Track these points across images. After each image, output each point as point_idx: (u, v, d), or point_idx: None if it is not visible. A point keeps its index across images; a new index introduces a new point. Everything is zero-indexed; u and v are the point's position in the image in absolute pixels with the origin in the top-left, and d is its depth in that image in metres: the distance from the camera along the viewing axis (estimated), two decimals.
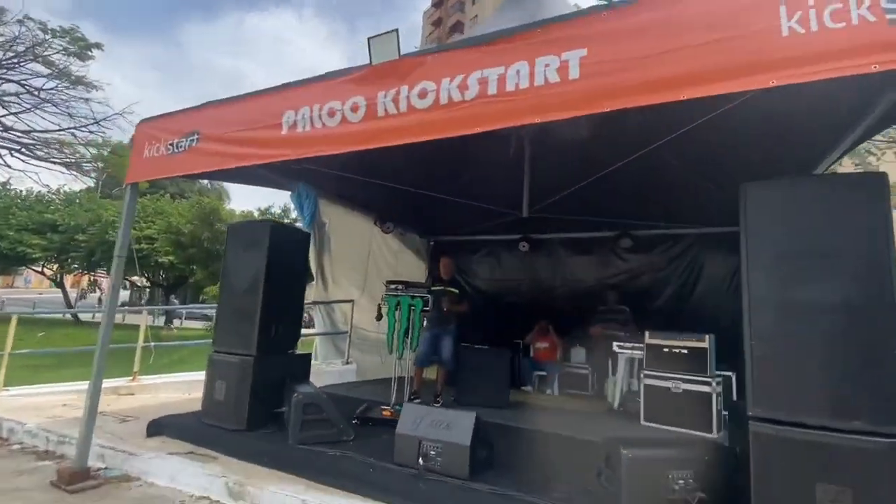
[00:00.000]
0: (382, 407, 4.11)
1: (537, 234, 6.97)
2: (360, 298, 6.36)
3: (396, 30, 2.36)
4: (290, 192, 5.02)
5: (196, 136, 3.07)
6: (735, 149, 4.14)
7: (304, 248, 4.28)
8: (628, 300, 6.27)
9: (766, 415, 2.00)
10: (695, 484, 2.21)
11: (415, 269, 7.53)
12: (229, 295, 3.84)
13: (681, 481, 2.23)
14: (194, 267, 17.88)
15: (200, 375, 5.43)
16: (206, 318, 22.76)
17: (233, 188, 30.00)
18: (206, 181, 24.50)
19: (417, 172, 4.86)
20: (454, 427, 2.74)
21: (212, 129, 3.00)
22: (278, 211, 20.71)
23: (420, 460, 2.72)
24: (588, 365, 6.59)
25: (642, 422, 4.53)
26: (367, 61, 2.43)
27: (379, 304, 4.72)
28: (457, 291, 5.18)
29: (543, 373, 6.50)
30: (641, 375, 4.66)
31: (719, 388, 4.30)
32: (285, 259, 3.87)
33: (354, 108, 2.46)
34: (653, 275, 6.46)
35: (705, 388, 4.27)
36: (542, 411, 5.05)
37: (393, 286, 4.39)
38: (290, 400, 3.31)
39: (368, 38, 2.46)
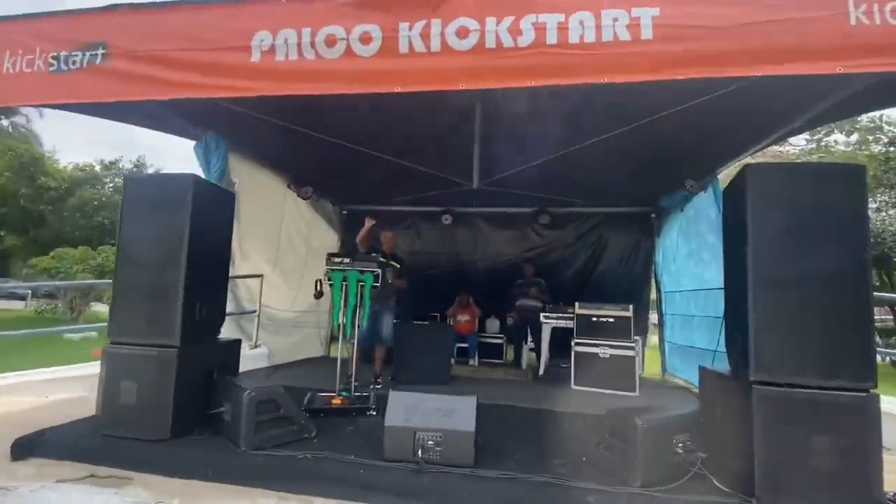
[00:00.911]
0: (328, 395, 3.67)
1: (461, 208, 6.89)
2: (271, 273, 5.58)
3: None
4: (194, 142, 4.05)
5: (102, 51, 2.21)
6: (660, 140, 4.41)
7: (230, 211, 3.49)
8: (542, 273, 6.62)
9: (767, 379, 2.20)
10: (693, 445, 2.38)
11: (329, 241, 6.90)
12: (132, 269, 2.95)
13: (681, 444, 2.38)
14: (2, 233, 13.83)
15: (58, 372, 4.24)
16: (16, 296, 18.03)
17: (52, 132, 23.52)
18: (5, 121, 18.71)
19: (348, 126, 4.23)
20: (455, 414, 2.53)
21: (130, 43, 2.19)
22: (128, 165, 17.03)
23: (419, 453, 2.45)
24: (502, 335, 6.86)
25: (573, 386, 4.86)
26: None
27: (318, 280, 4.16)
28: (398, 266, 4.86)
29: (465, 345, 6.57)
30: (572, 343, 4.96)
31: (639, 352, 4.81)
32: (209, 223, 3.11)
33: (365, 39, 1.99)
34: (564, 250, 6.91)
35: (629, 353, 4.72)
36: (482, 384, 5.08)
37: (338, 259, 3.88)
38: (236, 398, 2.71)
39: None
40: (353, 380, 4.07)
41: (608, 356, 4.79)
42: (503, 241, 7.05)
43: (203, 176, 3.99)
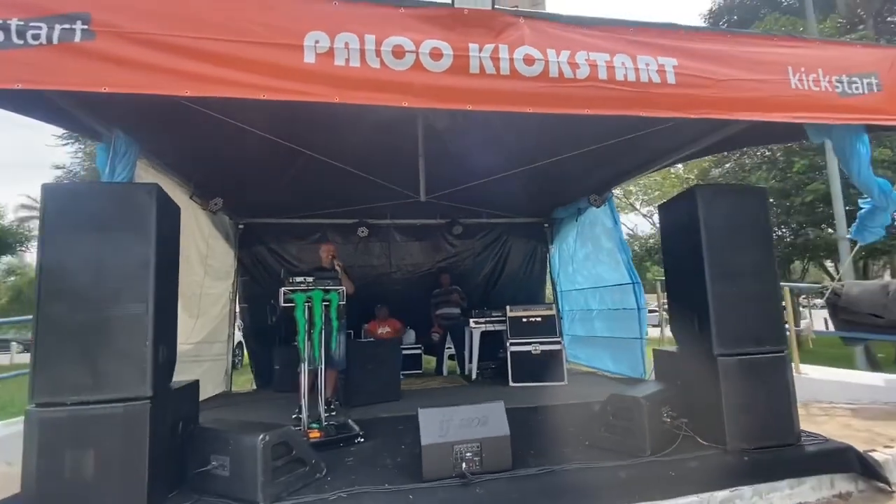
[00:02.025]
0: (301, 429, 3.32)
1: (375, 220, 6.80)
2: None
3: None
4: (98, 144, 3.27)
5: (82, 26, 1.73)
6: (568, 165, 5.09)
7: (177, 227, 2.89)
8: (454, 281, 6.97)
9: (725, 351, 2.83)
10: (675, 413, 2.90)
11: (227, 260, 6.11)
12: (66, 305, 2.26)
13: (667, 414, 2.88)
14: None
15: None
16: None
17: None
18: None
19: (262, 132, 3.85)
20: (488, 421, 2.60)
21: (124, 21, 1.77)
22: None
23: (463, 465, 2.45)
24: (419, 345, 6.98)
25: (511, 383, 5.26)
26: None
27: (272, 304, 3.72)
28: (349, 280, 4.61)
29: None
30: (507, 344, 5.36)
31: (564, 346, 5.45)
32: (164, 244, 2.58)
33: (435, 55, 1.99)
34: (474, 258, 7.37)
35: (557, 347, 5.33)
36: (430, 394, 5.12)
37: (299, 279, 3.54)
38: (239, 446, 2.31)
39: None
40: (331, 408, 3.76)
41: (539, 352, 5.32)
42: (418, 252, 7.18)
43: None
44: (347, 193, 5.60)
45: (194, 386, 2.90)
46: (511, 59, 2.05)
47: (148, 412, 2.24)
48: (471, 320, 5.88)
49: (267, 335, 6.00)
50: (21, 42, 1.74)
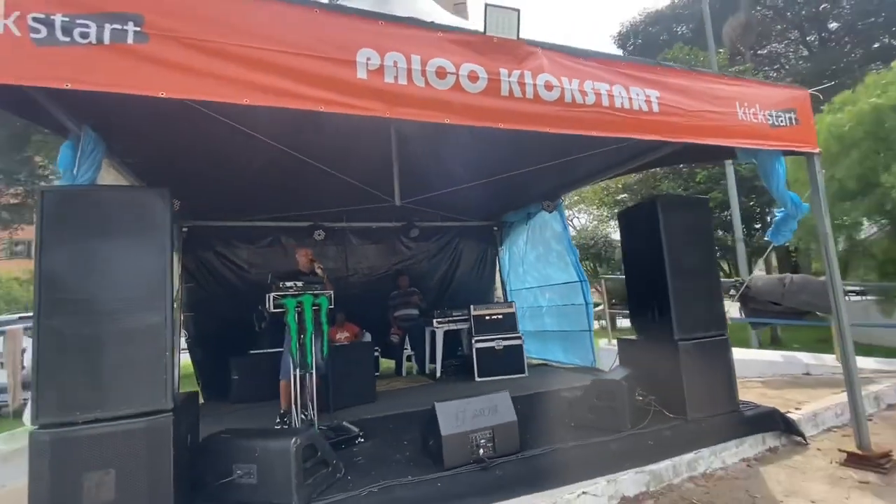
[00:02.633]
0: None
1: (330, 223, 6.72)
2: None
3: (519, 10, 2.30)
4: (64, 142, 2.99)
5: (134, 28, 1.70)
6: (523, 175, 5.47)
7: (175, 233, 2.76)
8: (410, 283, 7.12)
9: (683, 336, 3.35)
10: (644, 391, 3.36)
11: None
12: (73, 317, 2.10)
13: (639, 393, 3.34)
14: None
15: None
16: None
17: None
18: None
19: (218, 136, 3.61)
20: (498, 409, 2.84)
21: (180, 26, 1.75)
22: None
23: (480, 451, 2.67)
24: (378, 347, 7.02)
25: (477, 378, 5.55)
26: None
27: (260, 311, 3.62)
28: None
29: None
30: (473, 341, 5.64)
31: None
32: (174, 251, 2.48)
33: (473, 77, 2.19)
34: (429, 260, 7.56)
35: (518, 342, 5.72)
36: (401, 393, 5.21)
37: (288, 284, 3.50)
38: (269, 450, 2.32)
39: (486, 4, 2.25)
40: (284, 419, 3.72)
41: (502, 347, 5.67)
42: (374, 255, 7.21)
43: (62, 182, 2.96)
44: (305, 196, 5.52)
45: (194, 397, 2.79)
46: (534, 85, 2.31)
47: (171, 426, 2.17)
48: (434, 320, 6.07)
49: (216, 344, 5.68)
50: (67, 39, 1.63)
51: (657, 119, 2.63)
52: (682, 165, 11.44)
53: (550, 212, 6.10)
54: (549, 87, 2.34)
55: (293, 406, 3.48)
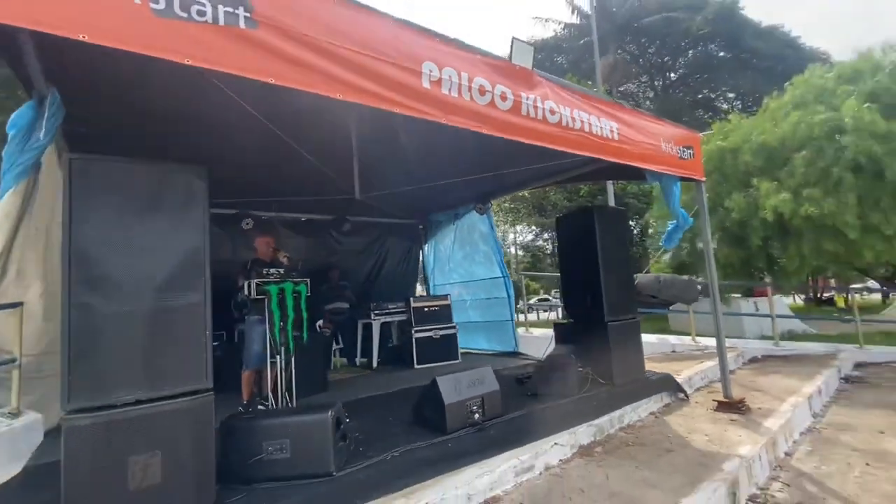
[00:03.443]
0: None
1: (258, 212, 6.43)
2: (38, 299, 3.77)
3: (534, 46, 2.80)
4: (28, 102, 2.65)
5: (244, 13, 1.80)
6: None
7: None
8: (341, 276, 7.18)
9: (612, 318, 4.20)
10: (582, 364, 4.13)
11: None
12: (108, 295, 1.99)
13: (579, 366, 4.09)
14: None
15: None
16: None
17: None
18: None
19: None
20: (484, 381, 3.29)
21: (283, 19, 1.88)
22: None
23: (476, 416, 3.09)
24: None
25: (416, 365, 5.91)
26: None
27: (241, 298, 3.51)
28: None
29: None
30: (413, 331, 5.99)
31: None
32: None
33: (503, 97, 2.63)
34: (358, 255, 7.66)
35: (452, 331, 6.24)
36: (347, 383, 5.30)
37: (268, 270, 3.49)
38: (304, 424, 2.44)
39: (513, 38, 2.72)
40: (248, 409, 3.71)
41: (439, 336, 6.12)
42: (304, 248, 7.05)
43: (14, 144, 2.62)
44: (231, 181, 5.24)
45: None
46: (543, 109, 2.83)
47: (212, 405, 2.19)
48: (372, 313, 6.26)
49: None
50: (185, 15, 1.63)
51: (617, 145, 3.36)
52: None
53: (482, 214, 6.74)
54: (552, 112, 2.88)
55: (269, 394, 3.47)
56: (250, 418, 2.51)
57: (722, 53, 21.35)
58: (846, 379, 5.68)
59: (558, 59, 26.40)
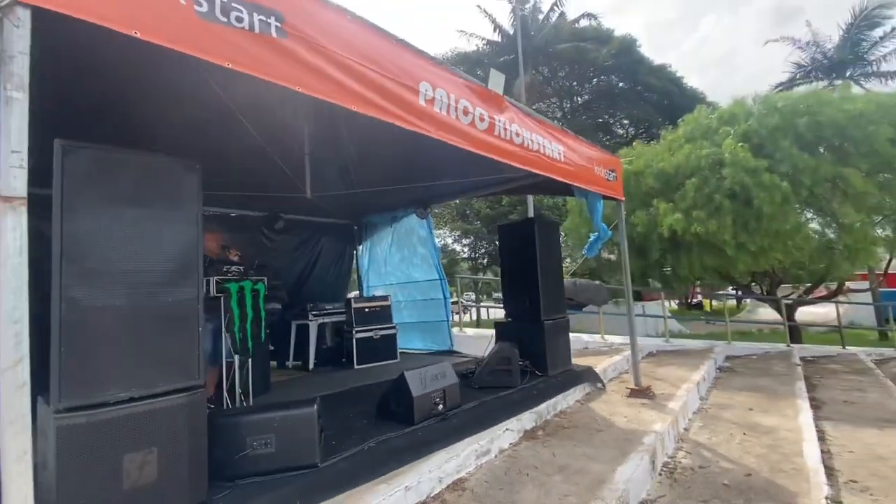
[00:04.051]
0: None
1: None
2: None
3: (505, 76, 3.17)
4: None
5: (276, 23, 1.92)
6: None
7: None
8: (273, 275, 6.99)
9: (547, 318, 4.72)
10: (522, 359, 4.58)
11: None
12: (99, 290, 1.92)
13: (518, 359, 4.53)
14: None
15: None
16: None
17: None
18: None
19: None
20: (445, 375, 3.55)
21: (308, 31, 2.01)
22: None
23: (440, 407, 3.34)
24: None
25: (356, 366, 5.98)
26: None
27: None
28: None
29: None
30: (354, 331, 6.05)
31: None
32: None
33: (481, 119, 2.95)
34: (291, 253, 7.46)
35: (392, 331, 6.41)
36: (292, 383, 5.19)
37: (228, 268, 3.42)
38: (289, 420, 2.50)
39: (491, 68, 3.06)
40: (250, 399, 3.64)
41: (379, 336, 6.24)
42: (233, 245, 6.70)
43: None
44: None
45: None
46: (510, 131, 3.20)
47: (205, 401, 2.19)
48: (310, 314, 6.19)
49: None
50: (225, 19, 1.66)
51: (562, 166, 3.85)
52: None
53: (422, 218, 7.00)
54: (517, 134, 3.26)
55: (225, 394, 3.39)
56: (233, 415, 2.51)
57: (621, 84, 23.99)
58: (720, 369, 6.91)
59: (479, 72, 27.58)
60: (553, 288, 4.93)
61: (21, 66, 1.27)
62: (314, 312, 6.22)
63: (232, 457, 2.38)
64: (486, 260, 15.80)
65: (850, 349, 8.57)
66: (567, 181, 3.92)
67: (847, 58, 17.74)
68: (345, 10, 2.16)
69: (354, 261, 8.37)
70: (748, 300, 17.07)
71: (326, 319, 6.35)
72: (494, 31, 23.60)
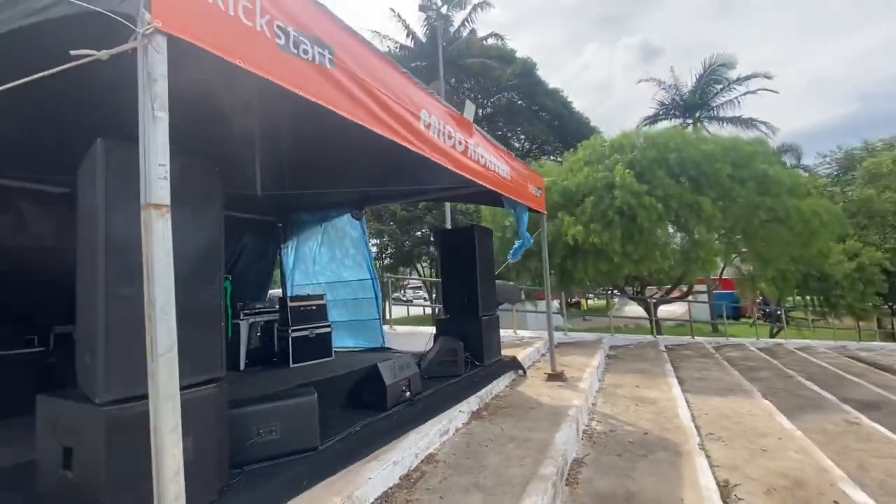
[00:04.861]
0: None
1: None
2: None
3: (476, 106, 3.70)
4: None
5: (329, 55, 2.23)
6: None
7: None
8: None
9: (483, 314, 5.35)
10: (462, 345, 5.15)
11: None
12: (135, 286, 1.99)
13: (460, 349, 5.09)
14: None
15: None
16: None
17: None
18: None
19: None
20: (409, 366, 3.95)
21: (352, 64, 2.34)
22: None
23: (407, 394, 3.74)
24: None
25: (292, 364, 6.01)
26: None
27: None
28: None
29: None
30: (290, 330, 6.07)
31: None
32: None
33: (460, 143, 3.45)
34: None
35: (327, 329, 6.54)
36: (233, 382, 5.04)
37: None
38: (293, 408, 2.72)
39: (467, 98, 3.57)
40: None
41: (314, 335, 6.33)
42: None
43: None
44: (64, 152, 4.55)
45: None
46: (477, 153, 3.73)
47: (226, 391, 2.34)
48: (241, 313, 6.05)
49: None
50: (295, 51, 1.87)
51: (509, 184, 4.51)
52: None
53: (357, 219, 7.21)
54: (482, 156, 3.82)
55: None
56: (241, 405, 2.63)
57: (520, 102, 26.16)
58: (608, 356, 8.25)
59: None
60: (489, 288, 5.58)
61: (162, 88, 1.43)
62: (245, 312, 6.09)
63: (240, 445, 2.53)
64: (390, 260, 16.24)
65: (698, 338, 10.75)
66: (511, 196, 4.58)
67: (697, 102, 21.78)
68: (374, 48, 2.50)
69: (278, 259, 8.21)
70: (616, 299, 20.01)
71: (258, 319, 6.25)
72: (407, 36, 24.09)
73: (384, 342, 7.24)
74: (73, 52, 1.35)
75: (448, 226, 12.20)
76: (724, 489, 3.20)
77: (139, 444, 1.92)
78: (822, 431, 4.79)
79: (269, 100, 2.73)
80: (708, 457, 3.71)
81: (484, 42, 24.11)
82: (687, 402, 5.33)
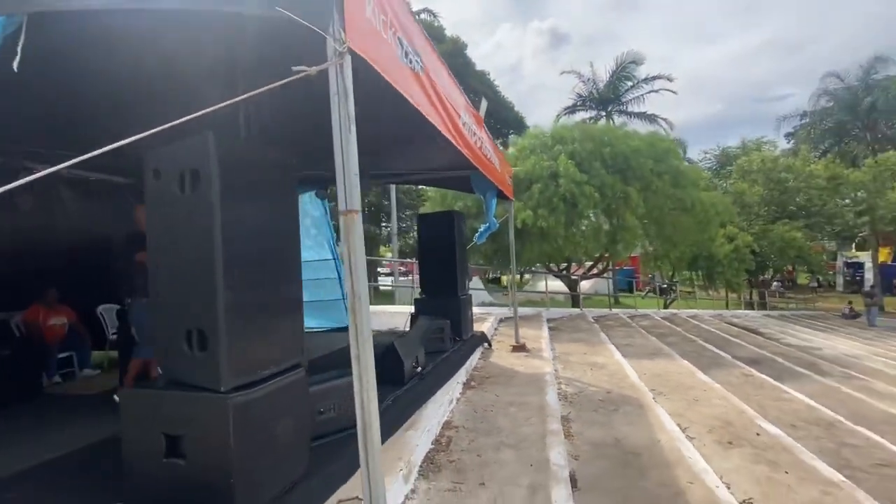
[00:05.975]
0: None
1: (33, 164, 4.84)
2: None
3: (487, 103, 4.01)
4: None
5: (420, 65, 2.43)
6: None
7: None
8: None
9: (461, 294, 5.76)
10: (449, 322, 5.53)
11: None
12: (251, 277, 2.07)
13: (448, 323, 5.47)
14: None
15: None
16: None
17: None
18: None
19: None
20: (416, 343, 4.25)
21: (431, 72, 2.56)
22: None
23: (418, 370, 4.06)
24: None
25: None
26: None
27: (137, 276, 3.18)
28: None
29: (68, 354, 4.96)
30: None
31: None
32: None
33: (480, 139, 3.77)
34: None
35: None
36: None
37: None
38: (344, 388, 2.91)
39: (483, 98, 3.87)
40: None
41: None
42: (92, 214, 5.62)
43: None
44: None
45: None
46: (483, 145, 4.06)
47: (307, 376, 2.50)
48: None
49: None
50: (407, 62, 2.04)
51: (500, 174, 4.91)
52: None
53: (322, 199, 7.12)
54: (487, 149, 4.17)
55: None
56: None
57: None
58: (550, 328, 9.19)
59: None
60: (465, 269, 5.99)
61: (352, 103, 1.58)
62: None
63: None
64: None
65: (615, 310, 12.26)
66: (495, 182, 5.01)
67: (610, 96, 23.83)
68: (442, 59, 2.71)
69: None
70: (528, 275, 21.76)
71: None
72: None
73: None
74: (294, 68, 1.44)
75: (393, 205, 12.29)
76: (683, 431, 4.03)
77: (259, 426, 2.06)
78: (728, 383, 6.00)
79: None
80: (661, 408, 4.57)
81: (416, 17, 23.72)
82: (629, 364, 6.30)
